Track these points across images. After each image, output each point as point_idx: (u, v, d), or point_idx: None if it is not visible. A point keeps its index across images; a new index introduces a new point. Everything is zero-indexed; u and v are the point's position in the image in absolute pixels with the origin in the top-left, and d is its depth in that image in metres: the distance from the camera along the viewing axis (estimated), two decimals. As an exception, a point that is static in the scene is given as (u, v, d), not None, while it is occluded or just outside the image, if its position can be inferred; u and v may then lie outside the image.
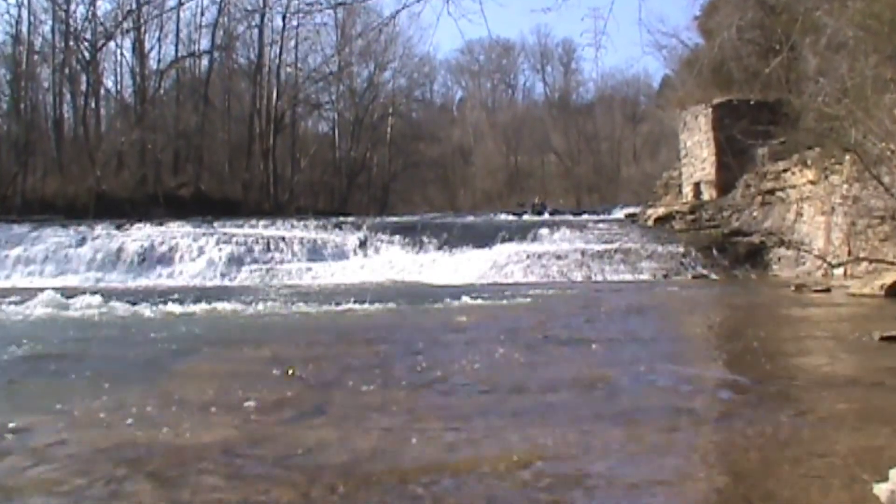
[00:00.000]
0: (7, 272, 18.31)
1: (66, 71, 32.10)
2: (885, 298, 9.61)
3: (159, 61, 35.26)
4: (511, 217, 24.31)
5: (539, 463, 2.90)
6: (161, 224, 21.06)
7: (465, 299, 10.15)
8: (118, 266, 18.64)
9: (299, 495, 2.60)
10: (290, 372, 4.74)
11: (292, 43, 37.28)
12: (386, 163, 42.92)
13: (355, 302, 9.80)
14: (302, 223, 21.42)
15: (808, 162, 15.27)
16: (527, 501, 2.56)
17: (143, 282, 17.47)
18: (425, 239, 19.07)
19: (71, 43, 32.03)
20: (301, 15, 36.45)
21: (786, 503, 2.51)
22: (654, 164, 40.00)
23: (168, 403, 4.02)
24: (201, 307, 9.56)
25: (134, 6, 33.15)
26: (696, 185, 20.49)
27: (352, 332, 7.65)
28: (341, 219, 23.40)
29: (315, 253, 19.16)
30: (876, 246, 12.57)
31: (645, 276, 15.76)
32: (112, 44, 34.25)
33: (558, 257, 16.88)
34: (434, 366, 5.16)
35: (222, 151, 35.70)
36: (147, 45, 34.52)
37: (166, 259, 18.87)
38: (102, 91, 34.77)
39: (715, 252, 16.72)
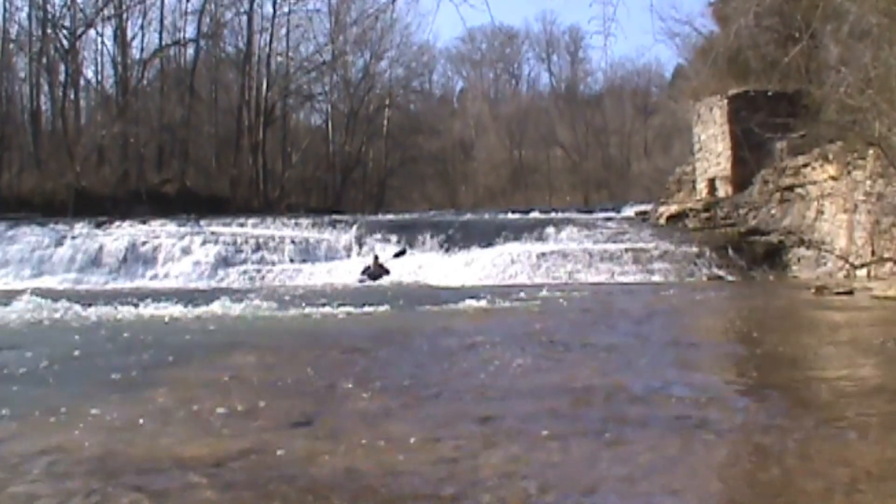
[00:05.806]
0: (-19, 274, 18.34)
1: (44, 60, 32.06)
2: (911, 301, 9.61)
3: (142, 50, 35.28)
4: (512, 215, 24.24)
5: (545, 474, 2.91)
6: (144, 222, 21.07)
7: (467, 301, 10.16)
8: (99, 267, 18.67)
9: (292, 509, 2.61)
10: None
11: (283, 30, 37.29)
12: (382, 157, 42.89)
13: (350, 305, 9.81)
14: (293, 221, 21.42)
15: (830, 156, 15.27)
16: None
17: (126, 284, 17.49)
18: (424, 238, 19.08)
19: (49, 30, 32.01)
20: (292, 1, 36.58)
21: (807, 518, 2.51)
22: (667, 159, 40.05)
23: (152, 413, 4.02)
24: (187, 311, 9.56)
25: (116, -9, 33.17)
26: (711, 181, 20.49)
27: (347, 336, 7.65)
28: (335, 217, 23.42)
29: (307, 253, 19.17)
30: (901, 245, 12.58)
31: (657, 278, 15.77)
32: (92, 31, 34.29)
33: (565, 257, 16.90)
34: (434, 372, 5.16)
35: (209, 145, 35.70)
36: (129, 33, 34.56)
37: (150, 260, 18.89)
38: (82, 81, 34.83)
39: (731, 252, 16.73)
